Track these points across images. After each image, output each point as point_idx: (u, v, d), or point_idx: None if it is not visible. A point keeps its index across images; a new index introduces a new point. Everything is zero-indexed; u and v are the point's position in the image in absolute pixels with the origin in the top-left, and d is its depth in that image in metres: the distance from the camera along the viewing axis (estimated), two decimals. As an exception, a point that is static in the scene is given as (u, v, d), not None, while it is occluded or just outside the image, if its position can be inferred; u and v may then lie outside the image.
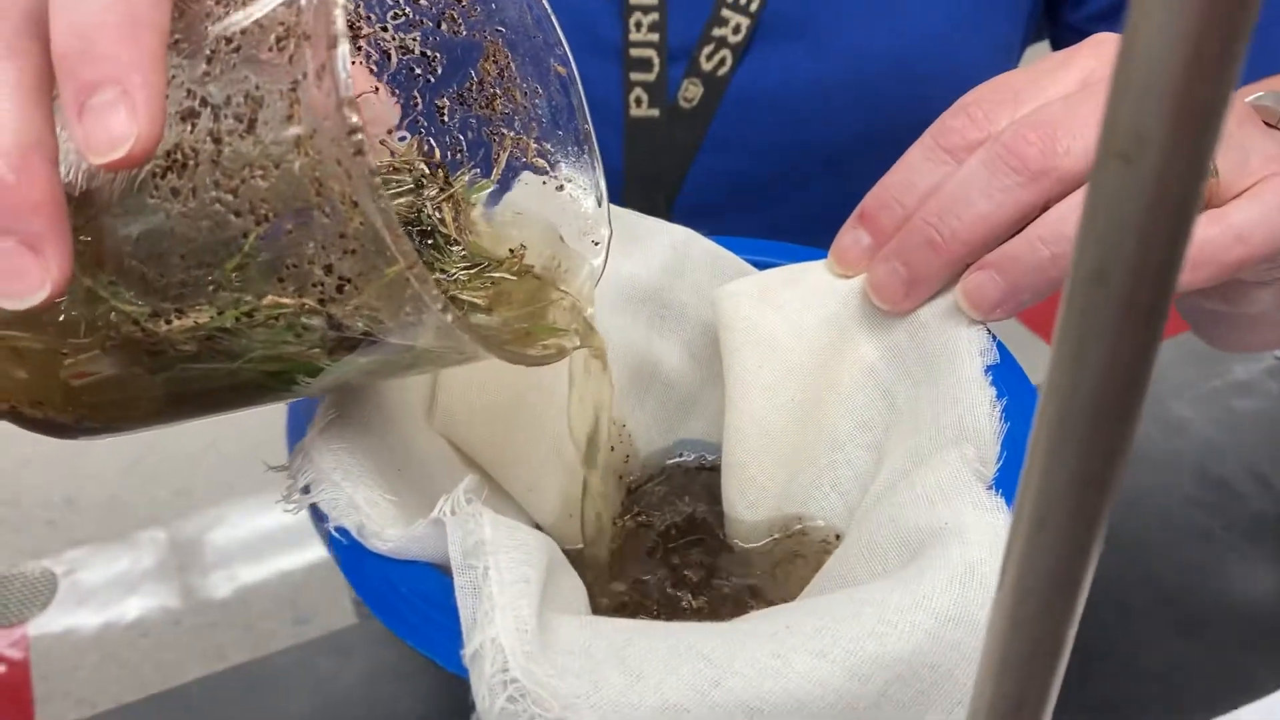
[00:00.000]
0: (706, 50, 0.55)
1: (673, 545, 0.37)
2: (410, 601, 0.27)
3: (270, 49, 0.23)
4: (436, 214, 0.29)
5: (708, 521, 0.37)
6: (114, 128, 0.22)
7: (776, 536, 0.35)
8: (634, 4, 0.54)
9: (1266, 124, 0.41)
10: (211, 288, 0.25)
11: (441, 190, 0.30)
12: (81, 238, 0.26)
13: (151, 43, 0.23)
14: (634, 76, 0.55)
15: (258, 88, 0.23)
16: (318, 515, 0.29)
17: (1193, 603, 0.69)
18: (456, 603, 0.24)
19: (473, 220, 0.31)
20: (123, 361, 0.27)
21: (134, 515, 2.03)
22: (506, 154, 0.31)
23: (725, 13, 0.54)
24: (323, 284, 0.24)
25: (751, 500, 0.34)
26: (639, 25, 0.55)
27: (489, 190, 0.32)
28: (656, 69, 0.55)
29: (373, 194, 0.22)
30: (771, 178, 0.58)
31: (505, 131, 0.31)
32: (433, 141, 0.32)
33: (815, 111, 0.56)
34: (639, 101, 0.56)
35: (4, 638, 1.83)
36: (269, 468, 0.32)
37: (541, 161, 0.32)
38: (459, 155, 0.32)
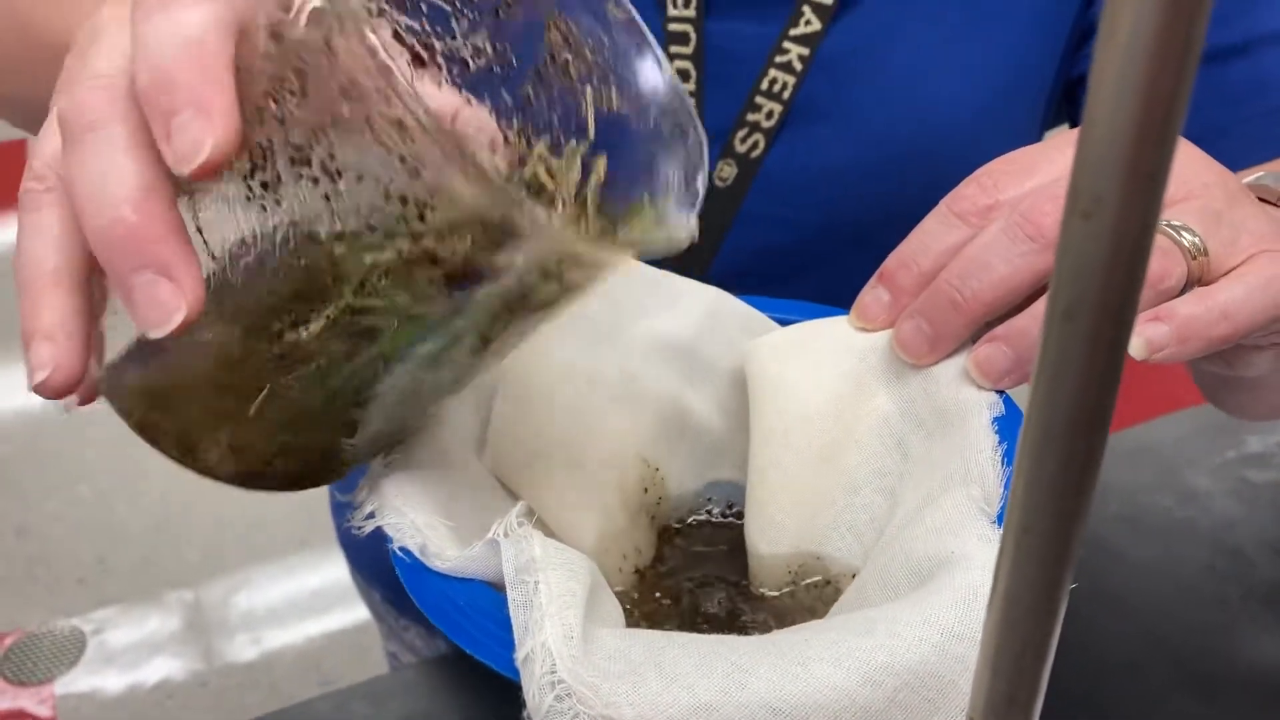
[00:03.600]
0: (741, 134, 0.59)
1: (696, 588, 0.39)
2: (467, 614, 0.30)
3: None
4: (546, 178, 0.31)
5: (732, 571, 0.40)
6: (196, 137, 0.25)
7: (795, 581, 0.38)
8: None
9: (1265, 201, 0.44)
10: (318, 272, 0.27)
11: (546, 165, 0.32)
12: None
13: (218, 65, 0.26)
14: None
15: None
16: (384, 538, 0.32)
17: (1207, 667, 0.71)
18: (509, 614, 0.27)
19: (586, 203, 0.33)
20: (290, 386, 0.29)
21: (163, 576, 2.06)
22: (591, 107, 0.33)
23: (759, 99, 0.58)
24: (405, 218, 0.25)
25: (771, 538, 0.37)
26: None
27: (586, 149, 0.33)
28: None
29: (413, 101, 0.24)
30: (799, 252, 0.61)
31: (585, 88, 0.33)
32: (529, 132, 0.34)
33: (842, 192, 0.59)
34: None
35: (32, 695, 1.85)
36: (340, 498, 0.35)
37: (624, 104, 0.33)
38: (558, 135, 0.33)
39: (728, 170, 0.59)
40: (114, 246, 0.27)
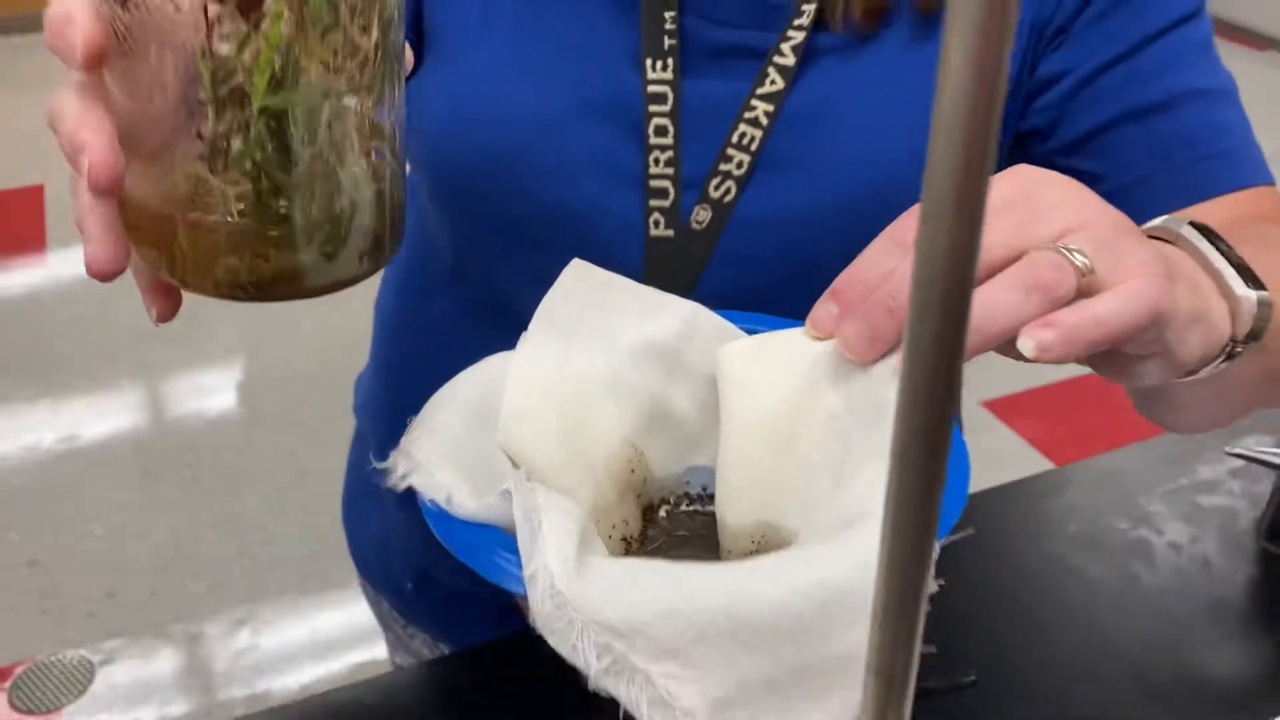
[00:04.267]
0: (714, 181, 0.66)
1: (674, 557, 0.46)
2: (486, 548, 0.36)
3: None
4: None
5: (705, 550, 0.46)
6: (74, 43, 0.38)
7: (757, 549, 0.44)
8: (653, 144, 0.65)
9: (1162, 239, 0.51)
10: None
11: None
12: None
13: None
14: (653, 203, 0.66)
15: None
16: (415, 495, 0.39)
17: (1158, 675, 0.77)
18: (518, 547, 0.34)
19: None
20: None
21: (171, 609, 2.11)
22: None
23: (730, 151, 0.65)
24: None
25: (737, 511, 0.43)
26: (657, 161, 0.65)
27: None
28: (672, 197, 0.66)
29: None
30: (769, 288, 0.68)
31: None
32: None
33: (806, 233, 0.66)
34: (657, 224, 0.66)
35: (41, 725, 1.90)
36: (375, 465, 0.41)
37: None
38: None
39: (703, 214, 0.66)
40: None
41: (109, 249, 0.40)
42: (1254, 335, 0.48)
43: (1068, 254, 0.42)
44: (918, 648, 0.29)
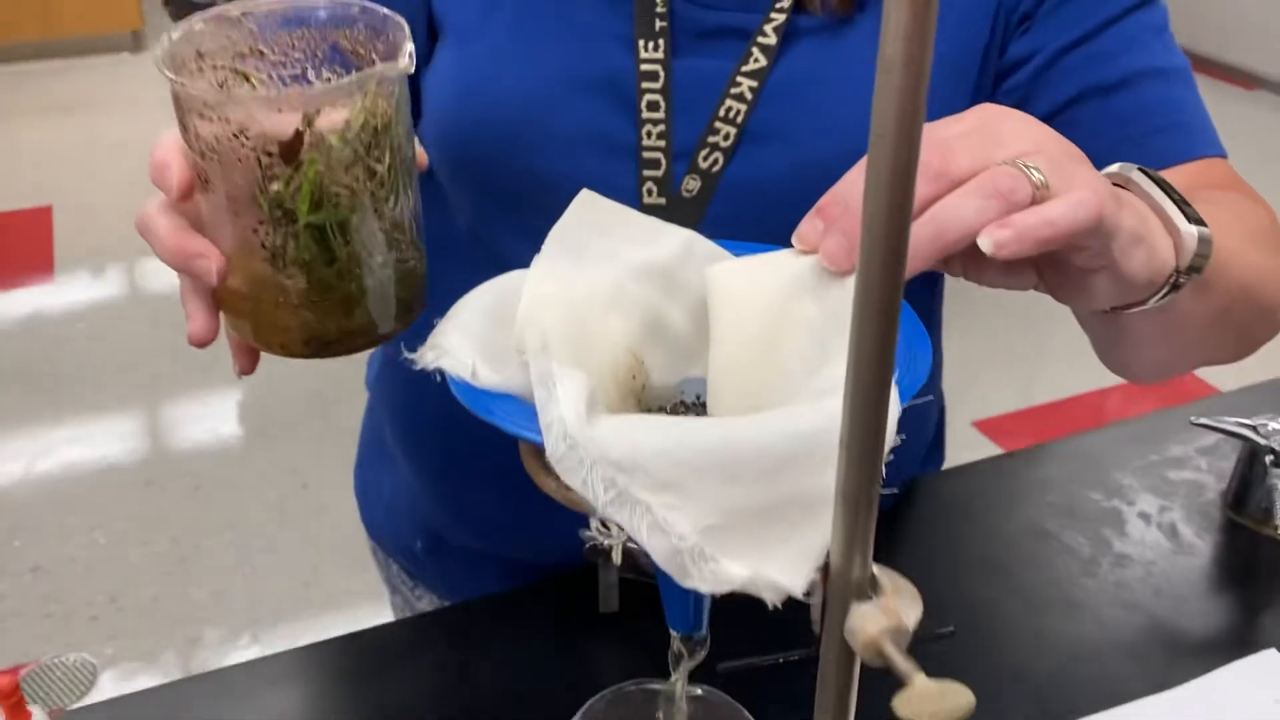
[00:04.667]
0: (703, 153, 0.71)
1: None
2: (508, 410, 0.41)
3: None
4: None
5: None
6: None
7: None
8: (645, 118, 0.70)
9: (1116, 184, 0.56)
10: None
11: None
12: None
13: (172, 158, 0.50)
14: (646, 174, 0.71)
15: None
16: (444, 377, 0.44)
17: (1125, 630, 0.81)
18: (536, 404, 0.38)
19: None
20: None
21: (172, 615, 2.14)
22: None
23: (718, 124, 0.70)
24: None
25: (725, 409, 0.48)
26: (650, 134, 0.71)
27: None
28: (664, 167, 0.71)
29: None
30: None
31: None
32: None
33: (789, 198, 0.70)
34: (650, 192, 0.71)
35: (44, 722, 1.92)
36: (405, 355, 0.47)
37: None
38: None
39: (693, 184, 0.71)
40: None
41: (207, 324, 0.54)
42: (1195, 268, 0.53)
43: (1025, 169, 0.47)
44: (879, 478, 0.34)
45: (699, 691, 0.56)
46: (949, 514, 0.94)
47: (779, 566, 0.36)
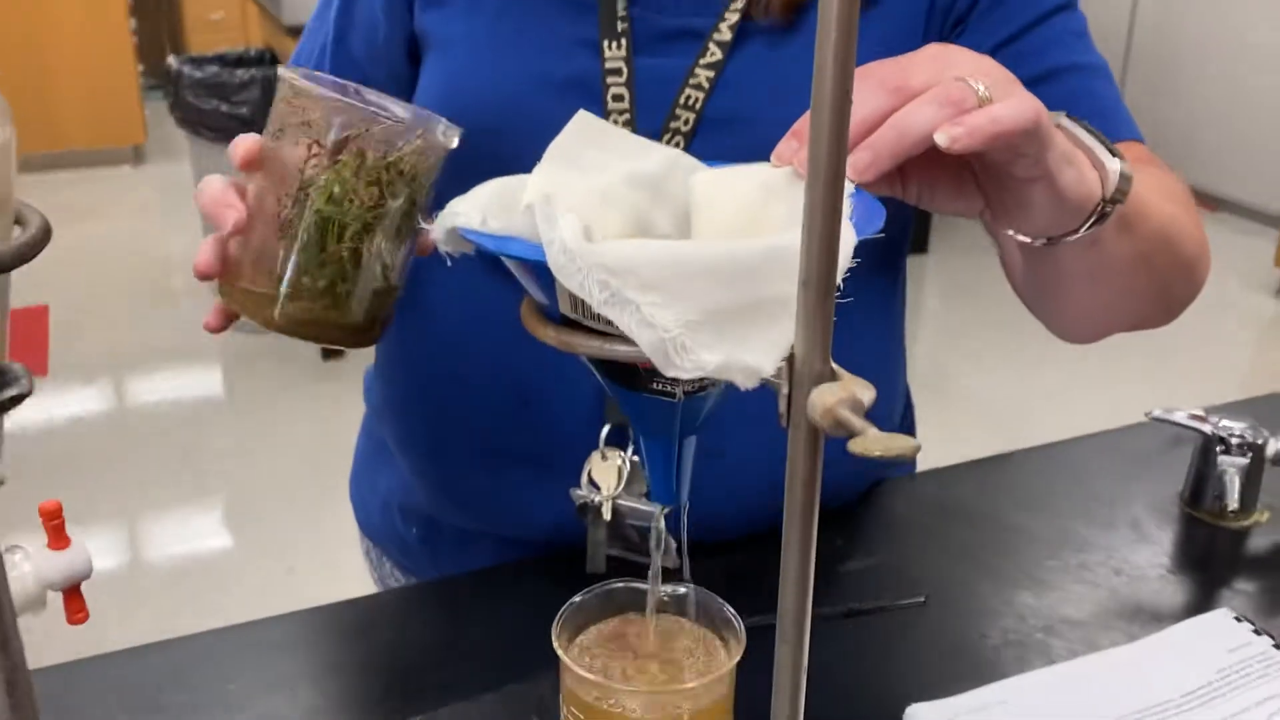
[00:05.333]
0: (666, 138, 0.78)
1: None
2: (516, 243, 0.47)
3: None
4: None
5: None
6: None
7: None
8: (611, 109, 0.78)
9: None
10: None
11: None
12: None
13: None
14: None
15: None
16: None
17: (1083, 606, 0.85)
18: (539, 231, 0.44)
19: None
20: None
21: (111, 637, 2.11)
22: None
23: (679, 111, 0.78)
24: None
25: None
26: (616, 123, 0.78)
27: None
28: None
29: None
30: None
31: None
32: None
33: None
34: None
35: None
36: (422, 224, 0.52)
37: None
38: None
39: None
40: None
41: (211, 261, 0.64)
42: (1118, 199, 0.60)
43: (973, 84, 0.54)
44: (836, 271, 0.40)
45: (683, 589, 0.60)
46: (922, 508, 0.99)
47: (751, 354, 0.41)
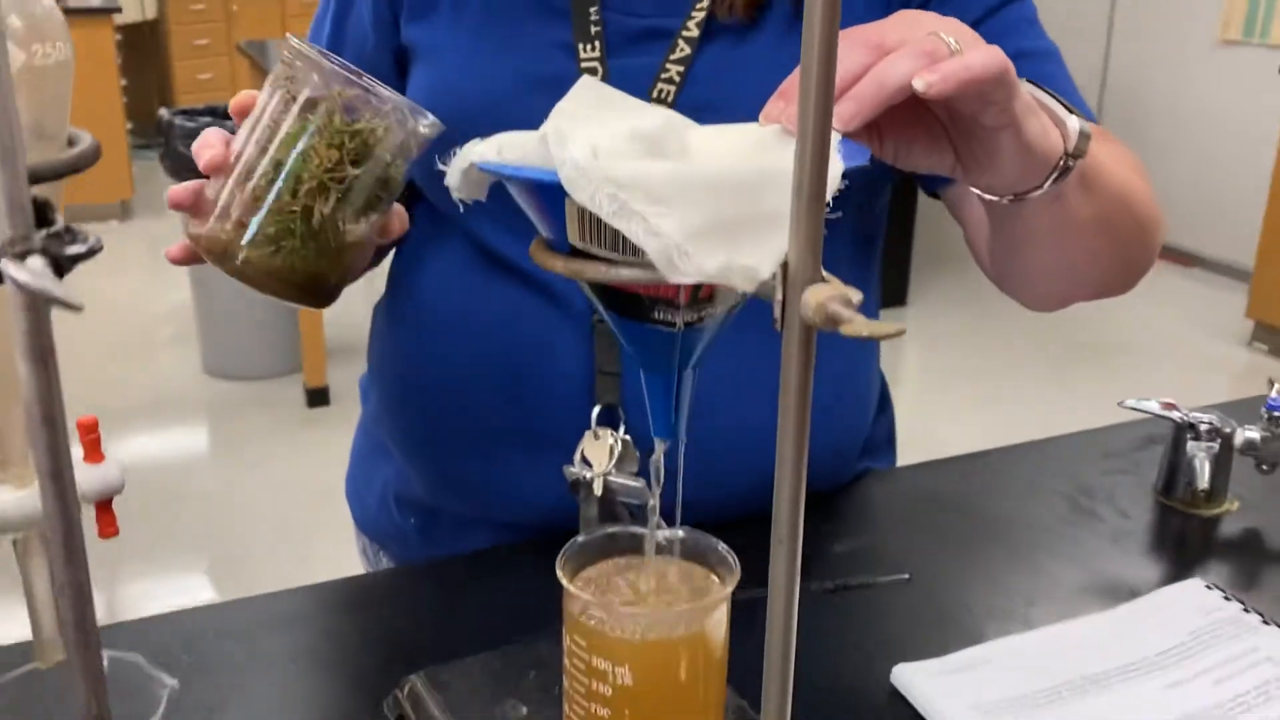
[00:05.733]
0: None
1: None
2: (528, 170, 0.50)
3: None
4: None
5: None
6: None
7: None
8: None
9: None
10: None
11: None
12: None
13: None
14: None
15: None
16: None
17: (1063, 584, 0.88)
18: (552, 155, 0.48)
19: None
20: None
21: None
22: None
23: (652, 102, 0.82)
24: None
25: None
26: None
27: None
28: None
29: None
30: None
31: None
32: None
33: None
34: None
35: None
36: (439, 166, 0.55)
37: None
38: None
39: None
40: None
41: (187, 196, 0.68)
42: (1079, 154, 0.64)
43: (946, 39, 0.58)
44: (826, 180, 0.43)
45: (681, 533, 0.62)
46: (904, 498, 1.02)
47: (749, 259, 0.44)
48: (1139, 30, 5.13)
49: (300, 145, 0.66)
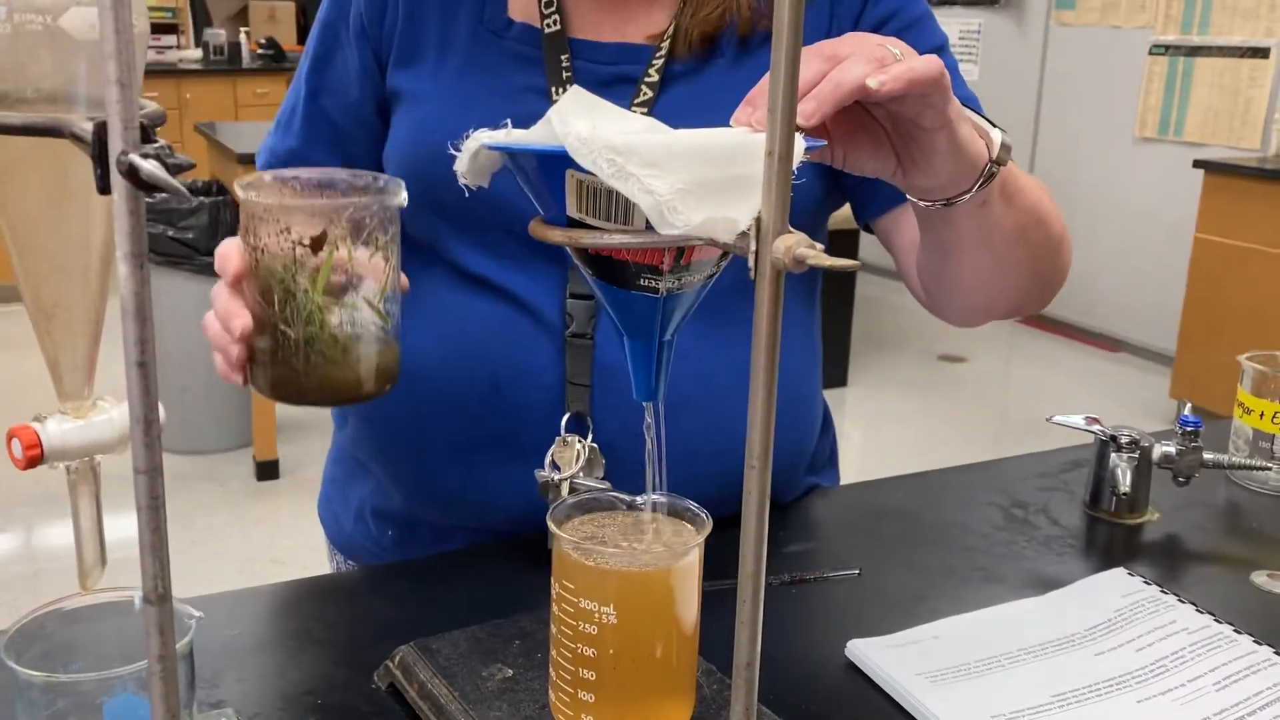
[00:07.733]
0: None
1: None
2: (535, 146, 0.57)
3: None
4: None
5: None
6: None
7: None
8: None
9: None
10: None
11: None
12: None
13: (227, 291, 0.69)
14: None
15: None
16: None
17: (1001, 583, 0.95)
18: (556, 132, 0.55)
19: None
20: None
21: None
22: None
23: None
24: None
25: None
26: None
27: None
28: None
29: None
30: None
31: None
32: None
33: None
34: None
35: None
36: (451, 149, 0.62)
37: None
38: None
39: None
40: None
41: (232, 371, 0.69)
42: (1001, 161, 0.74)
43: (894, 49, 0.67)
44: (794, 145, 0.51)
45: (657, 495, 0.69)
46: (852, 510, 1.09)
47: (729, 213, 0.52)
48: (1063, 126, 5.39)
49: (330, 278, 0.65)
